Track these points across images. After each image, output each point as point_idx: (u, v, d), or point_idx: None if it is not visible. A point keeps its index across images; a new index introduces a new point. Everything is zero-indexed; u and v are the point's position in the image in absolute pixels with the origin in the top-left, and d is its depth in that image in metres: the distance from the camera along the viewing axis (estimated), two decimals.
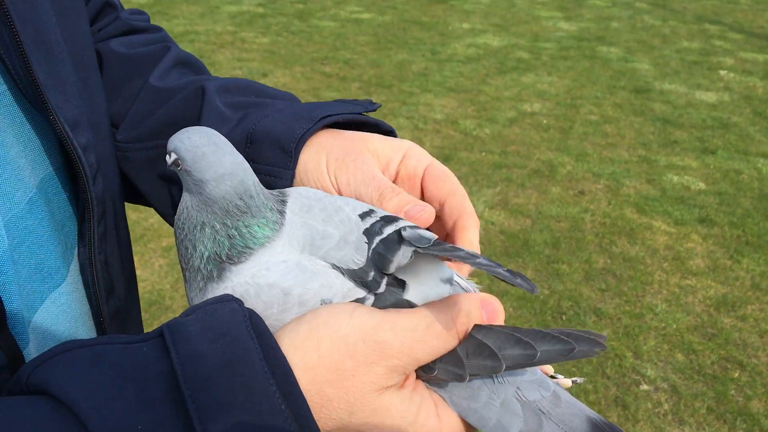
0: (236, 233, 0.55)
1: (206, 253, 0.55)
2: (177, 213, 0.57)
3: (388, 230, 0.55)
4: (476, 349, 0.49)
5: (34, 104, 0.54)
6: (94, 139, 0.62)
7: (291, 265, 0.53)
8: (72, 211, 0.64)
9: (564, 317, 3.05)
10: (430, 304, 0.50)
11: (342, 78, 6.02)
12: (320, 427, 0.44)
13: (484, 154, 4.63)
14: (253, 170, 0.59)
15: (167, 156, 0.57)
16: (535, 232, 3.72)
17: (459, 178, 0.66)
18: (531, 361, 0.49)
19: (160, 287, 3.13)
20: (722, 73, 6.55)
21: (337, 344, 0.45)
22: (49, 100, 0.53)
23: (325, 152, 0.62)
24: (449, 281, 0.56)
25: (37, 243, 0.58)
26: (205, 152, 0.55)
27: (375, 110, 0.69)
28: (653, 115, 5.45)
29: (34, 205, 0.57)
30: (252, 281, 0.53)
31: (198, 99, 0.71)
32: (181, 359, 0.40)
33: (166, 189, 0.72)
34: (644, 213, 3.97)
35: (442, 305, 0.49)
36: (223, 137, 0.56)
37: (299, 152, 0.63)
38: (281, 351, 0.43)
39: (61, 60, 0.56)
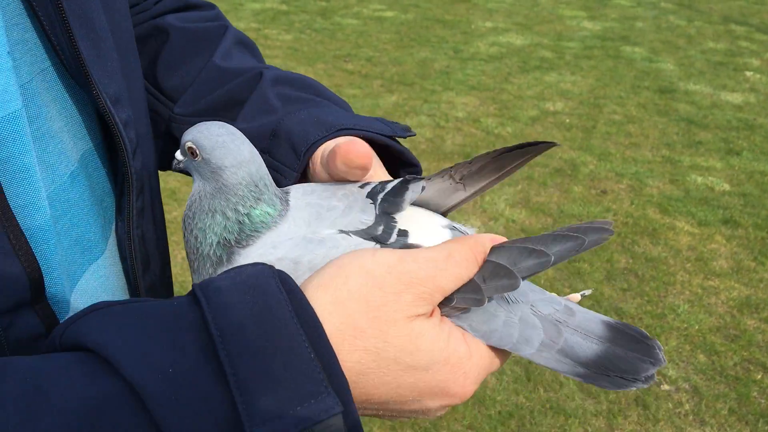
0: (247, 219, 0.57)
1: (215, 239, 0.57)
2: (187, 205, 0.59)
3: (391, 184, 0.58)
4: (492, 271, 0.51)
5: (77, 80, 0.56)
6: (134, 115, 0.63)
7: (297, 240, 0.56)
8: (111, 187, 0.65)
9: None
10: (446, 241, 0.52)
11: (364, 75, 6.03)
12: (357, 360, 0.45)
13: None
14: (266, 163, 0.61)
15: (179, 151, 0.59)
16: None
17: None
18: (546, 266, 0.51)
19: (183, 279, 3.16)
20: (748, 74, 6.48)
21: (364, 278, 0.46)
22: (92, 75, 0.55)
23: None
24: (450, 227, 0.59)
25: (77, 216, 0.59)
26: (225, 141, 0.57)
27: (406, 137, 0.69)
28: (677, 115, 5.41)
29: (75, 178, 0.59)
30: (261, 259, 0.55)
31: (253, 84, 0.74)
32: (211, 308, 0.41)
33: None
34: (667, 213, 3.94)
35: (458, 240, 0.51)
36: (239, 131, 0.59)
37: (308, 156, 0.64)
38: (309, 302, 0.44)
39: (103, 38, 0.58)
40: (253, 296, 0.42)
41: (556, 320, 0.54)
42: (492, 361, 0.52)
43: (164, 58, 0.77)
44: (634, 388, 0.52)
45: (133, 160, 0.62)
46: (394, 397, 0.47)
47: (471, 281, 0.50)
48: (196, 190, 0.59)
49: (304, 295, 0.44)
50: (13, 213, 0.49)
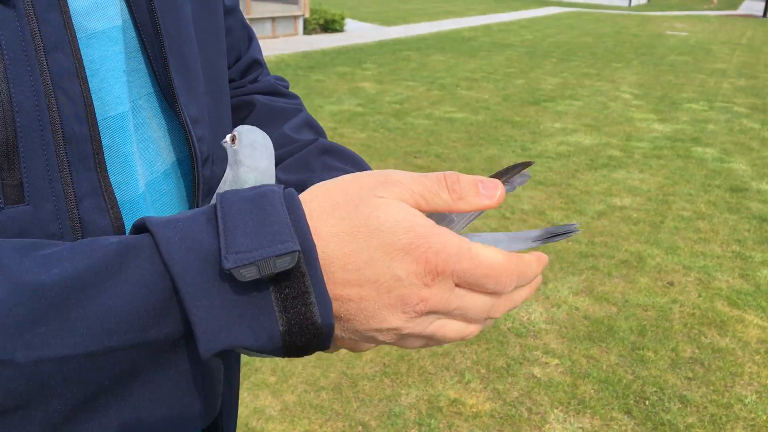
0: None
1: None
2: (220, 184, 0.70)
3: None
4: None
5: (169, 102, 0.71)
6: (211, 135, 0.77)
7: None
8: (188, 198, 0.79)
9: (647, 402, 2.98)
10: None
11: (433, 170, 6.23)
12: (332, 224, 0.53)
13: (570, 243, 4.66)
14: None
15: (229, 135, 0.70)
16: (621, 319, 3.67)
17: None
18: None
19: None
20: None
21: (350, 178, 0.56)
22: (179, 98, 0.70)
23: None
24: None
25: (167, 204, 0.74)
26: (257, 145, 0.68)
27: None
28: (749, 213, 5.34)
29: (168, 176, 0.73)
30: None
31: (303, 147, 0.89)
32: (221, 197, 0.53)
33: None
34: (736, 306, 3.85)
35: (446, 172, 0.57)
36: (273, 149, 0.71)
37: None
38: (300, 203, 0.54)
39: (193, 70, 0.73)
40: (255, 190, 0.54)
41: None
42: (460, 255, 0.53)
43: (247, 124, 0.91)
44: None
45: (203, 168, 0.75)
46: (367, 273, 0.52)
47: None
48: (228, 173, 0.70)
49: (298, 199, 0.54)
50: (111, 183, 0.63)
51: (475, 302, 0.55)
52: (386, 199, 0.53)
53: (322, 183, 0.57)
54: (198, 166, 0.73)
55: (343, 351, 3.24)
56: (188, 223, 0.51)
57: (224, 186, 0.68)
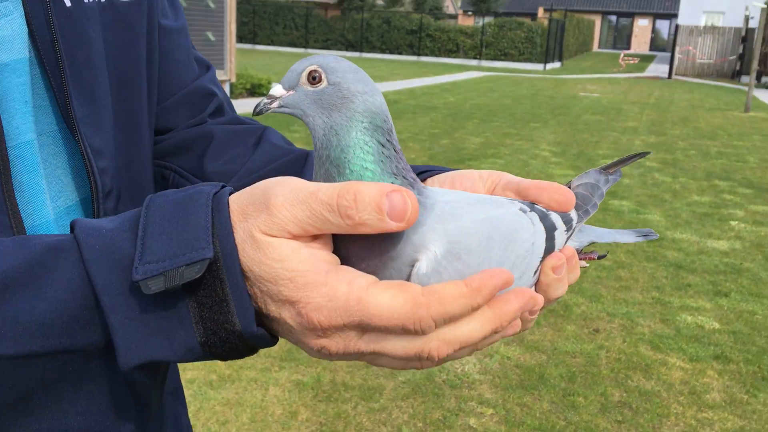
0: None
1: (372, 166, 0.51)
2: (318, 146, 0.54)
3: None
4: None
5: (73, 134, 0.70)
6: (120, 170, 0.76)
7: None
8: None
9: None
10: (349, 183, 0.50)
11: None
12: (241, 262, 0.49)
13: None
14: None
15: (277, 86, 0.54)
16: (551, 366, 3.77)
17: None
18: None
19: None
20: (733, 223, 6.75)
21: (248, 195, 0.51)
22: (81, 130, 0.69)
23: None
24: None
25: None
26: (356, 68, 0.53)
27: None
28: (666, 261, 5.60)
29: (72, 211, 0.73)
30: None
31: (302, 161, 0.83)
32: (153, 197, 0.52)
33: None
34: (659, 350, 4.01)
35: (344, 186, 0.48)
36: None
37: None
38: (227, 203, 0.51)
39: (101, 103, 0.72)
40: (185, 191, 0.53)
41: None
42: (348, 309, 0.47)
43: (209, 153, 0.87)
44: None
45: (104, 201, 0.73)
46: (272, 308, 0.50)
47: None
48: (323, 125, 0.52)
49: (227, 201, 0.51)
50: (17, 204, 0.63)
51: (395, 345, 0.48)
52: (266, 238, 0.48)
53: (242, 191, 0.53)
54: (99, 197, 0.72)
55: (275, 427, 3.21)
56: (113, 229, 0.51)
57: (325, 150, 0.52)
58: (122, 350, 0.48)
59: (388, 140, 0.52)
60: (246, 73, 14.48)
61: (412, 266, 0.50)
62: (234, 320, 0.48)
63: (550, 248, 0.59)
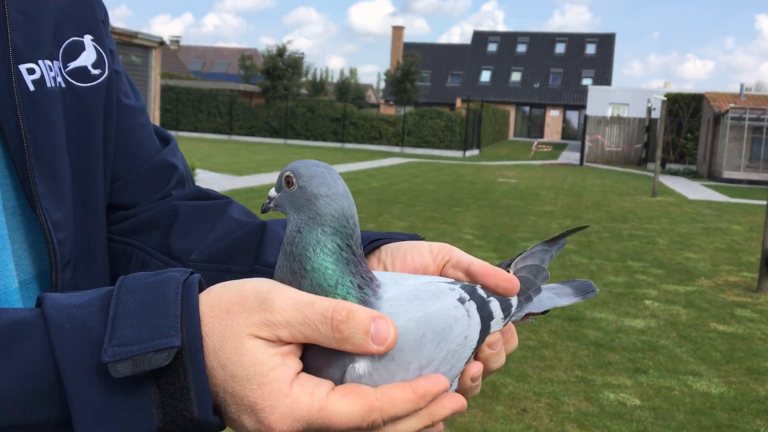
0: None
1: (332, 267, 0.56)
2: (286, 241, 0.59)
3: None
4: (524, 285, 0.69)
5: (32, 206, 0.72)
6: (76, 244, 0.78)
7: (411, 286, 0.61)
8: None
9: None
10: (329, 298, 0.56)
11: None
12: (205, 353, 0.52)
13: None
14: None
15: (272, 189, 0.61)
16: None
17: None
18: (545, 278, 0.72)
19: None
20: (647, 302, 7.05)
21: (236, 295, 0.54)
22: (41, 203, 0.71)
23: None
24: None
25: None
26: (323, 172, 0.58)
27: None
28: (587, 339, 5.78)
29: (30, 283, 0.74)
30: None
31: (260, 231, 0.85)
32: (124, 279, 0.55)
33: None
34: (584, 428, 4.09)
35: (333, 301, 0.54)
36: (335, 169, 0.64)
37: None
38: (197, 294, 0.54)
39: (61, 179, 0.75)
40: (156, 276, 0.55)
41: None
42: (310, 418, 0.51)
43: (174, 230, 0.87)
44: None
45: (62, 272, 0.75)
46: (231, 386, 0.52)
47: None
48: (293, 222, 0.58)
49: (196, 289, 0.54)
50: None
51: None
52: (252, 340, 0.52)
53: (213, 291, 0.56)
54: (57, 268, 0.74)
55: None
56: (82, 309, 0.53)
57: (289, 246, 0.57)
58: (80, 429, 0.49)
59: (347, 244, 0.57)
60: None
61: (351, 364, 0.55)
62: (193, 408, 0.50)
63: (484, 338, 0.64)
